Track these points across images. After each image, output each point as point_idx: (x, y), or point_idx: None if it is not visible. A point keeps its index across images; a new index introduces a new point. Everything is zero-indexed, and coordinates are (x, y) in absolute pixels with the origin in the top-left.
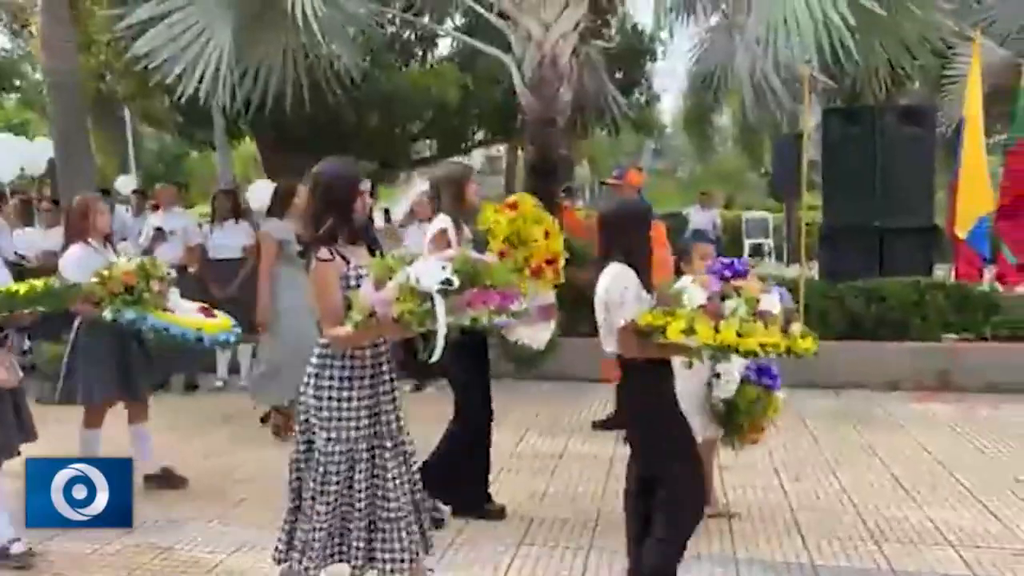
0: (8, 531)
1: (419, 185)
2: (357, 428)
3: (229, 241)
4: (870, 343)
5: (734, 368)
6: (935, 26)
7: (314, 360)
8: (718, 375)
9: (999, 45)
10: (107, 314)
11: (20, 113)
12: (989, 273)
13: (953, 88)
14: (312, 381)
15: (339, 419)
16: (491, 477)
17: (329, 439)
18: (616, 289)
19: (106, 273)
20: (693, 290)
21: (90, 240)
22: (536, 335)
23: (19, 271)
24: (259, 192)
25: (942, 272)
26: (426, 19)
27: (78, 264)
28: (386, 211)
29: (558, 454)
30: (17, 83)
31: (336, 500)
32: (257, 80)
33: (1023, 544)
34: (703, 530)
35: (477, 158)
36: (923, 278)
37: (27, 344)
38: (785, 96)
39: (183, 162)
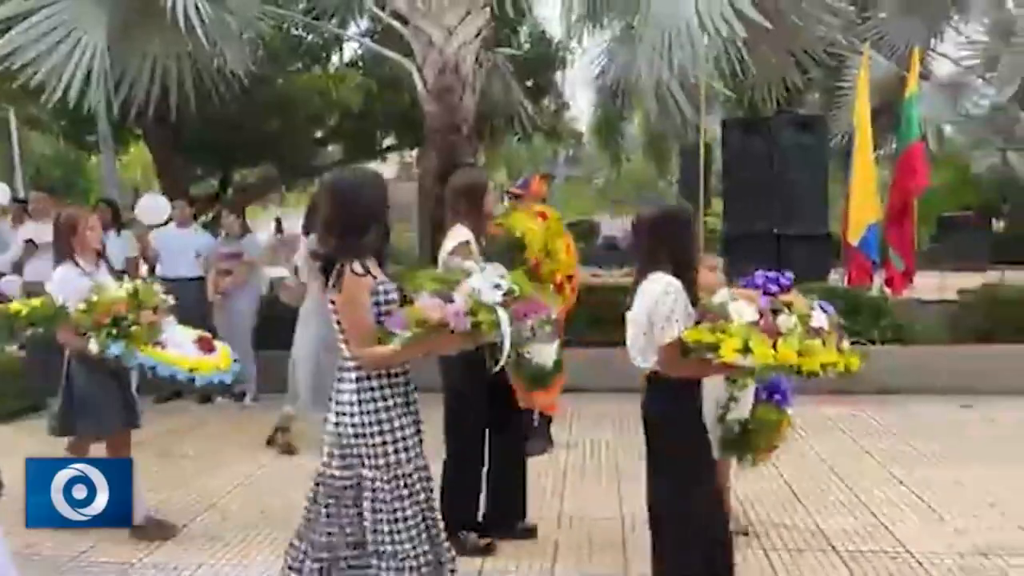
0: None
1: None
2: (407, 453)
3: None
4: None
5: (749, 390)
6: (826, 40)
7: (348, 385)
8: (735, 397)
9: (888, 59)
10: (92, 346)
11: None
12: (879, 278)
13: (844, 100)
14: (352, 408)
15: (385, 443)
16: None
17: (378, 466)
18: (665, 302)
19: (94, 300)
20: (740, 305)
21: (78, 259)
22: (544, 351)
23: None
24: (148, 208)
25: (837, 277)
26: (330, 23)
27: (62, 287)
28: (278, 220)
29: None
30: None
31: (420, 524)
32: (136, 83)
33: (903, 547)
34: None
35: (391, 164)
36: (816, 283)
37: None
38: (687, 106)
39: (82, 167)
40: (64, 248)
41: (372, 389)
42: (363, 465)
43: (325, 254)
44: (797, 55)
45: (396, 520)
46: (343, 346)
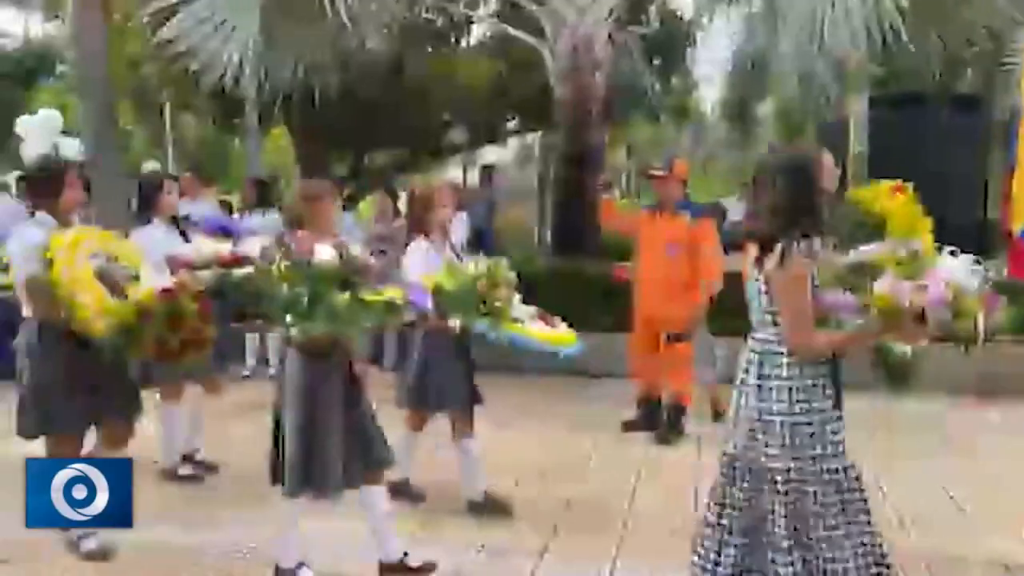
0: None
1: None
2: (833, 447)
3: (258, 231)
4: None
5: None
6: (994, 11)
7: (775, 371)
8: None
9: None
10: (454, 322)
11: (60, 98)
12: None
13: (1008, 77)
14: (778, 396)
15: (824, 432)
16: (514, 479)
17: (814, 457)
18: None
19: (459, 277)
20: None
21: (432, 236)
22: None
23: None
24: None
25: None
26: (460, 5)
27: (424, 263)
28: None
29: (586, 455)
30: (58, 69)
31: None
32: (283, 68)
33: None
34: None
35: (512, 148)
36: None
37: None
38: (831, 83)
39: (226, 150)
40: (418, 224)
41: (803, 377)
42: (785, 455)
43: (767, 232)
44: (959, 27)
45: (818, 515)
46: (763, 329)
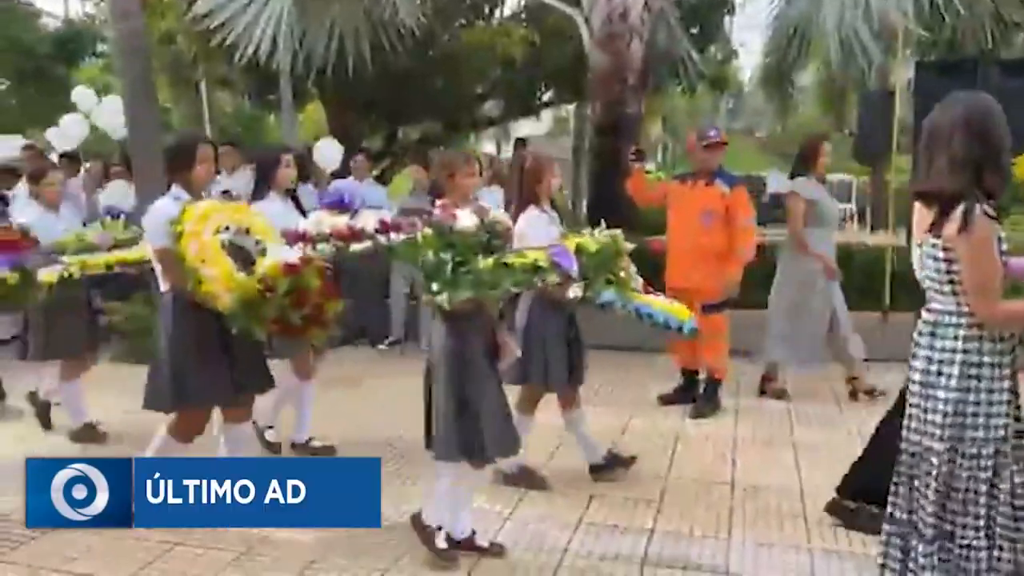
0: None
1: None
2: (1006, 425)
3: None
4: None
5: None
6: None
7: (957, 345)
8: None
9: None
10: (574, 292)
11: (102, 77)
12: None
13: None
14: (951, 370)
15: (989, 414)
16: (551, 451)
17: (975, 439)
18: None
19: (604, 243)
20: None
21: (543, 204)
22: None
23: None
24: (326, 151)
25: None
26: None
27: (546, 232)
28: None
29: (620, 429)
30: (99, 48)
31: (986, 512)
32: (317, 42)
33: None
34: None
35: (546, 120)
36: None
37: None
38: (875, 50)
39: (260, 124)
40: (529, 193)
41: (980, 353)
42: (943, 435)
43: (948, 191)
44: None
45: (965, 501)
46: (942, 296)
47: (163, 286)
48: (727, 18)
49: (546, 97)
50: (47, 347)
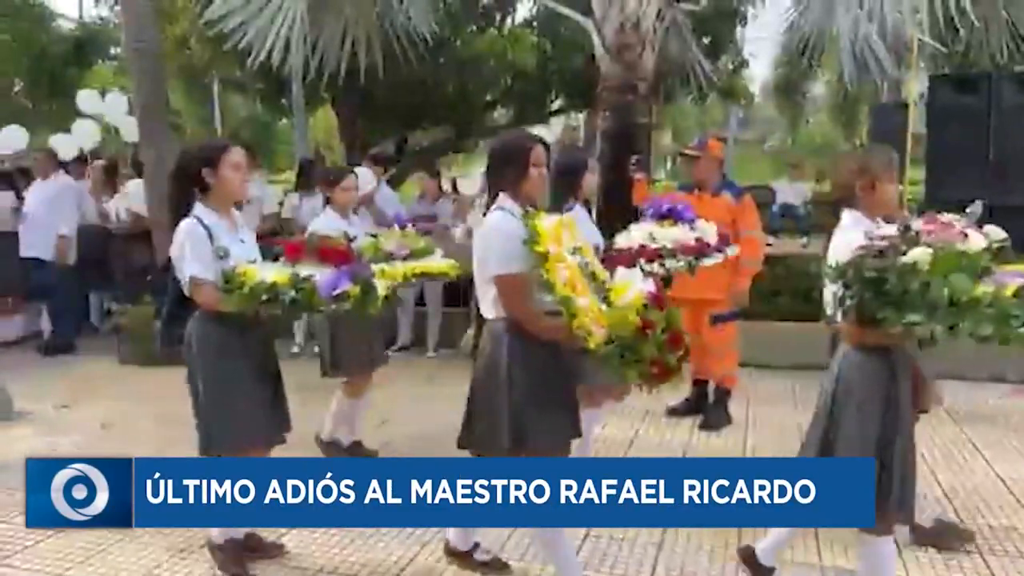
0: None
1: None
2: None
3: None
4: None
5: None
6: None
7: None
8: None
9: None
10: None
11: (117, 80)
12: None
13: None
14: None
15: None
16: None
17: None
18: None
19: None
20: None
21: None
22: None
23: (106, 232)
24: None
25: None
26: None
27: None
28: (453, 181)
29: (628, 441)
30: (113, 51)
31: None
32: (330, 47)
33: None
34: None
35: (555, 127)
36: None
37: (112, 306)
38: (889, 62)
39: (271, 129)
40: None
41: None
42: None
43: None
44: None
45: None
46: None
47: (490, 313)
48: (739, 29)
49: (556, 105)
50: (338, 365)
